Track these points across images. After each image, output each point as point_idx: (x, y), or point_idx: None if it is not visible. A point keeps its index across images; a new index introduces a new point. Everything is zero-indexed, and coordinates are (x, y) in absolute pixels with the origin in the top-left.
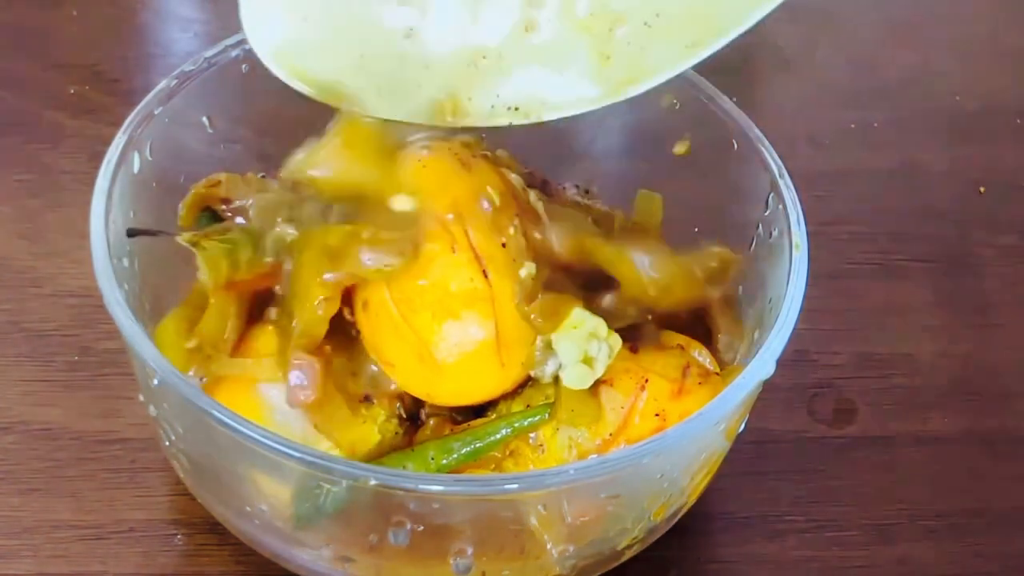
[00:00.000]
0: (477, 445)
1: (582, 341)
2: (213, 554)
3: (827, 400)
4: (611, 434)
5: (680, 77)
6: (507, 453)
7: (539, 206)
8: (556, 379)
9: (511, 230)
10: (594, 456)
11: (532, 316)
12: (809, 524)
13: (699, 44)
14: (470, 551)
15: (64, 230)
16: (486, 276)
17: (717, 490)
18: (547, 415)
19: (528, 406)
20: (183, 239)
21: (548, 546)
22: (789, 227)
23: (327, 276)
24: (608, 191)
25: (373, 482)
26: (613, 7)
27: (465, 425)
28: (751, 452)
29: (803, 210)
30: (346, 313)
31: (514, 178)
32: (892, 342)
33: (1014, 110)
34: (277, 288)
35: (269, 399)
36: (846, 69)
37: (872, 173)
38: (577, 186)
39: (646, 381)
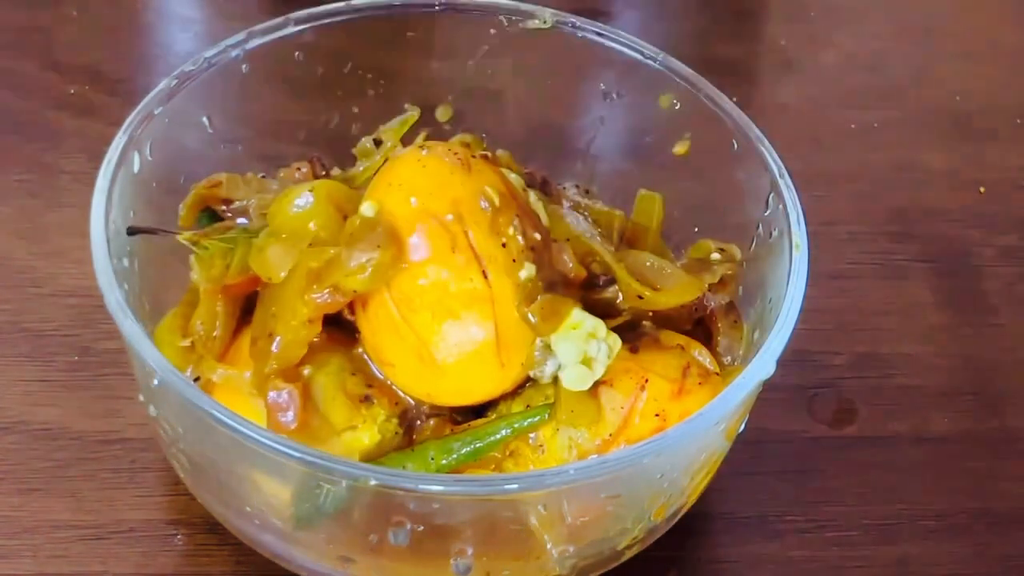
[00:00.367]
0: (477, 445)
1: (581, 342)
2: (213, 554)
3: (827, 400)
4: (611, 434)
5: (680, 77)
6: (507, 453)
7: (539, 206)
8: (556, 380)
9: (511, 230)
10: (594, 456)
11: (531, 317)
12: (809, 524)
13: None
14: (470, 551)
15: (64, 230)
16: (486, 276)
17: (717, 490)
18: (547, 415)
19: (528, 406)
20: (183, 238)
21: (548, 546)
22: (789, 227)
23: (317, 296)
24: (608, 191)
25: (373, 482)
26: None
27: (465, 425)
28: (751, 452)
29: (803, 210)
30: (346, 313)
31: (514, 178)
32: (892, 342)
33: (1014, 110)
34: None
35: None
36: (846, 69)
37: (872, 173)
38: (577, 186)
39: (646, 381)
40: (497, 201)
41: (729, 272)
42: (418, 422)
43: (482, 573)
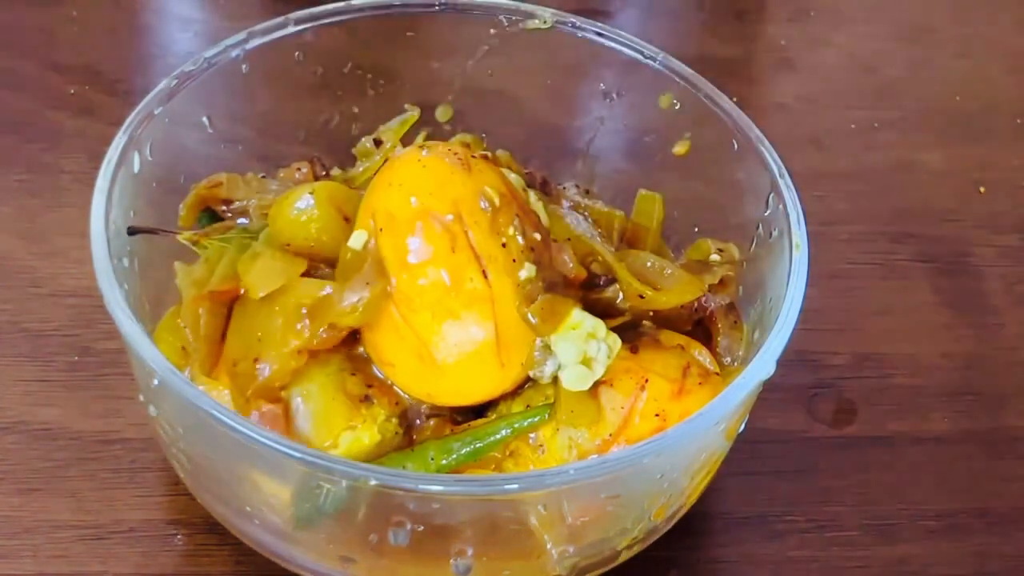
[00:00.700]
0: (477, 445)
1: (581, 342)
2: (213, 554)
3: (827, 400)
4: (611, 434)
5: (680, 77)
6: (507, 453)
7: (539, 206)
8: (556, 380)
9: (511, 230)
10: (594, 456)
11: (531, 317)
12: (809, 524)
13: None
14: (470, 551)
15: (64, 230)
16: (486, 276)
17: (717, 490)
18: (547, 415)
19: (528, 406)
20: (183, 238)
21: (548, 546)
22: (789, 227)
23: (309, 334)
24: (608, 191)
25: (373, 482)
26: None
27: (465, 425)
28: (751, 452)
29: (803, 210)
30: None
31: (514, 178)
32: (892, 342)
33: (1014, 110)
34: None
35: None
36: (847, 69)
37: (872, 173)
38: (577, 186)
39: (646, 381)
40: (497, 201)
41: (729, 273)
42: (418, 422)
43: (483, 573)
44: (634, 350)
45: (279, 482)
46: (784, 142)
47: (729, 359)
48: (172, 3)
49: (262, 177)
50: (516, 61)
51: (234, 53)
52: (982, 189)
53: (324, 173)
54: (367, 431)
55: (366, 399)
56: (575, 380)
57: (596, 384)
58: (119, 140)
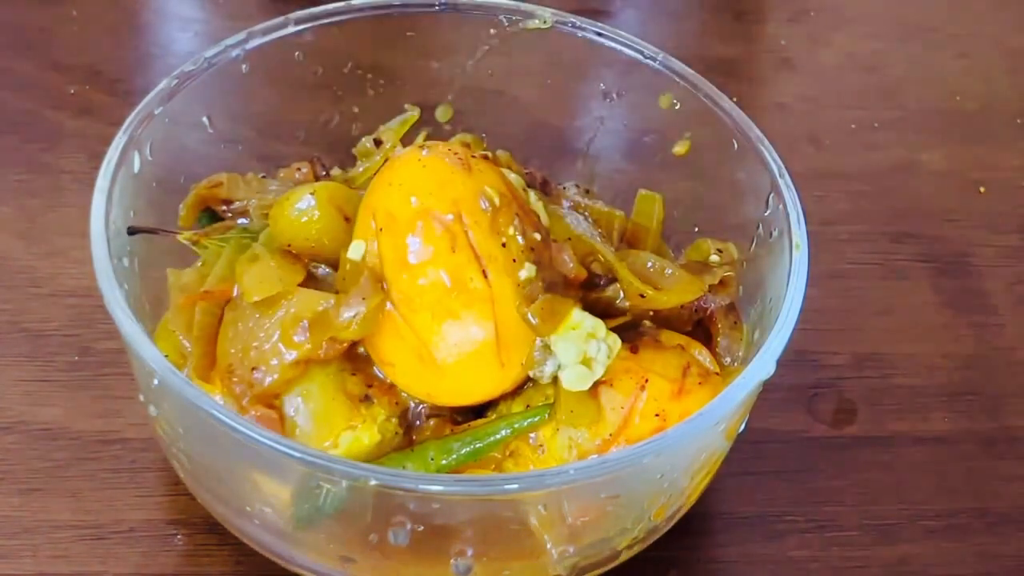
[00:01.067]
0: (477, 445)
1: (581, 342)
2: (213, 554)
3: (827, 400)
4: (611, 434)
5: (680, 77)
6: (507, 453)
7: (539, 206)
8: (556, 380)
9: (511, 230)
10: (594, 456)
11: (531, 317)
12: (809, 524)
13: None
14: (470, 551)
15: (64, 230)
16: (486, 276)
17: (717, 490)
18: (547, 415)
19: (528, 406)
20: (183, 238)
21: (548, 546)
22: (789, 227)
23: (308, 346)
24: (608, 191)
25: (373, 482)
26: None
27: (465, 425)
28: (751, 452)
29: (803, 210)
30: None
31: (514, 178)
32: (892, 342)
33: (1014, 110)
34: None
35: None
36: (847, 69)
37: (872, 173)
38: (577, 186)
39: (646, 381)
40: (497, 201)
41: (729, 273)
42: (418, 422)
43: (483, 573)
44: (634, 350)
45: (279, 482)
46: (784, 142)
47: (729, 359)
48: (172, 3)
49: (262, 177)
50: (516, 61)
51: (234, 53)
52: (982, 189)
53: (324, 173)
54: (367, 431)
55: (366, 399)
56: (575, 380)
57: (596, 384)
58: (119, 140)
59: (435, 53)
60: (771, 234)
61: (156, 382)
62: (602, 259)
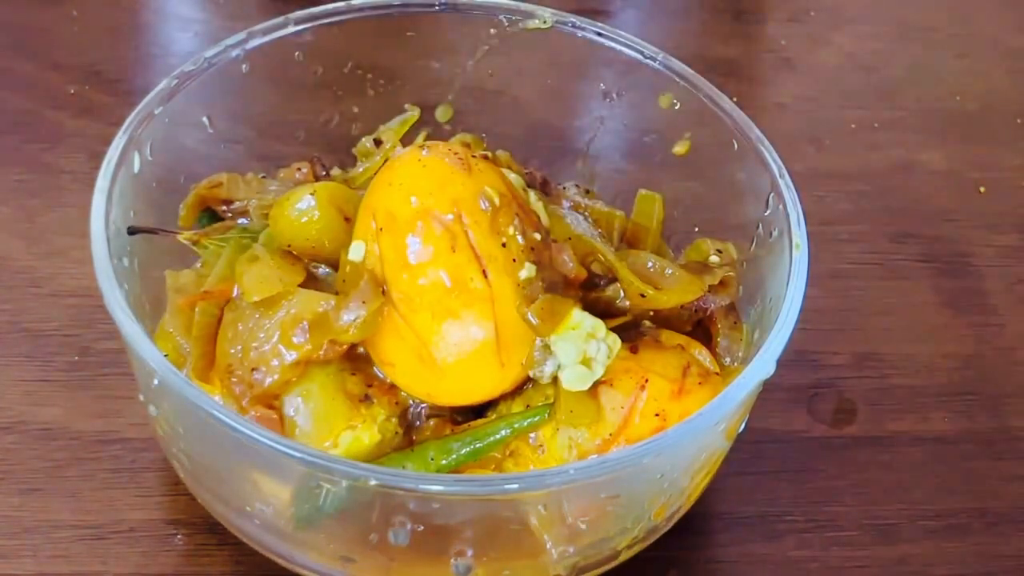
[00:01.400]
0: (477, 445)
1: (581, 342)
2: (213, 554)
3: (827, 400)
4: (611, 434)
5: (680, 77)
6: (507, 453)
7: (539, 206)
8: (555, 380)
9: (511, 230)
10: (594, 456)
11: (531, 317)
12: (809, 524)
13: None
14: (470, 551)
15: (64, 230)
16: (486, 276)
17: (717, 490)
18: (547, 415)
19: (528, 406)
20: (183, 238)
21: (548, 546)
22: (789, 227)
23: (309, 348)
24: (608, 191)
25: (373, 482)
26: None
27: (465, 425)
28: (751, 452)
29: (803, 210)
30: None
31: (514, 178)
32: (892, 342)
33: (1014, 110)
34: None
35: None
36: (847, 69)
37: (872, 173)
38: (577, 186)
39: (646, 381)
40: (497, 201)
41: (730, 273)
42: (418, 422)
43: (483, 573)
44: (634, 350)
45: (279, 482)
46: (784, 142)
47: (729, 359)
48: (172, 3)
49: (262, 177)
50: (516, 61)
51: (234, 53)
52: (982, 189)
53: (324, 173)
54: (367, 431)
55: (366, 399)
56: (575, 380)
57: (596, 384)
58: (119, 140)
59: (435, 53)
60: (771, 234)
61: (156, 382)
62: (602, 259)
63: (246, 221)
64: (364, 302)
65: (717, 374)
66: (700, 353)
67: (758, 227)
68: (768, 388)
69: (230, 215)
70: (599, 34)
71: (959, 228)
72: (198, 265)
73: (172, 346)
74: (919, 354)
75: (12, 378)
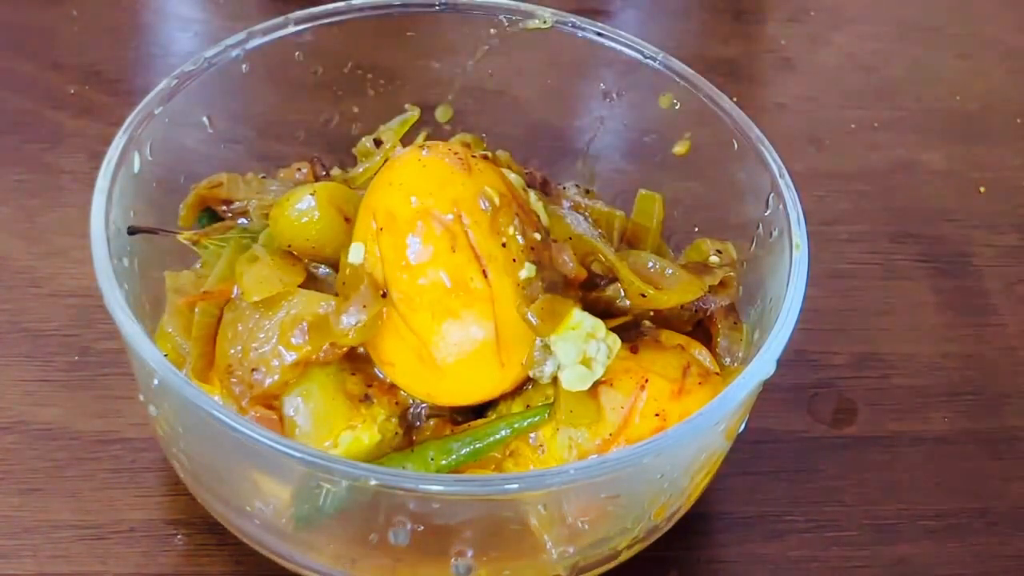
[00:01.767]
0: (477, 445)
1: (581, 342)
2: (213, 554)
3: (827, 400)
4: (611, 434)
5: (680, 77)
6: (507, 453)
7: (539, 206)
8: (555, 380)
9: (511, 230)
10: (594, 456)
11: (531, 317)
12: (809, 524)
13: None
14: (470, 552)
15: (64, 230)
16: (486, 276)
17: (717, 490)
18: (547, 415)
19: (528, 406)
20: (183, 238)
21: (548, 546)
22: (789, 227)
23: (308, 350)
24: (608, 191)
25: (373, 482)
26: None
27: (465, 425)
28: (751, 452)
29: (803, 210)
30: None
31: (514, 178)
32: (892, 342)
33: (1014, 110)
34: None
35: None
36: (847, 69)
37: (872, 173)
38: (577, 186)
39: (646, 381)
40: (497, 201)
41: (730, 274)
42: (418, 422)
43: (483, 573)
44: (634, 350)
45: (279, 482)
46: (784, 142)
47: (729, 359)
48: (172, 3)
49: (262, 177)
50: (516, 61)
51: (234, 53)
52: (982, 189)
53: (324, 173)
54: (367, 431)
55: (366, 399)
56: (575, 380)
57: (596, 384)
58: (119, 140)
59: (435, 53)
60: (771, 234)
61: (156, 382)
62: (602, 259)
63: (246, 221)
64: (364, 306)
65: (717, 374)
66: (700, 353)
67: (758, 227)
68: (768, 388)
69: (230, 215)
70: (599, 34)
71: (959, 228)
72: (198, 265)
73: (171, 346)
74: (919, 354)
75: (12, 378)
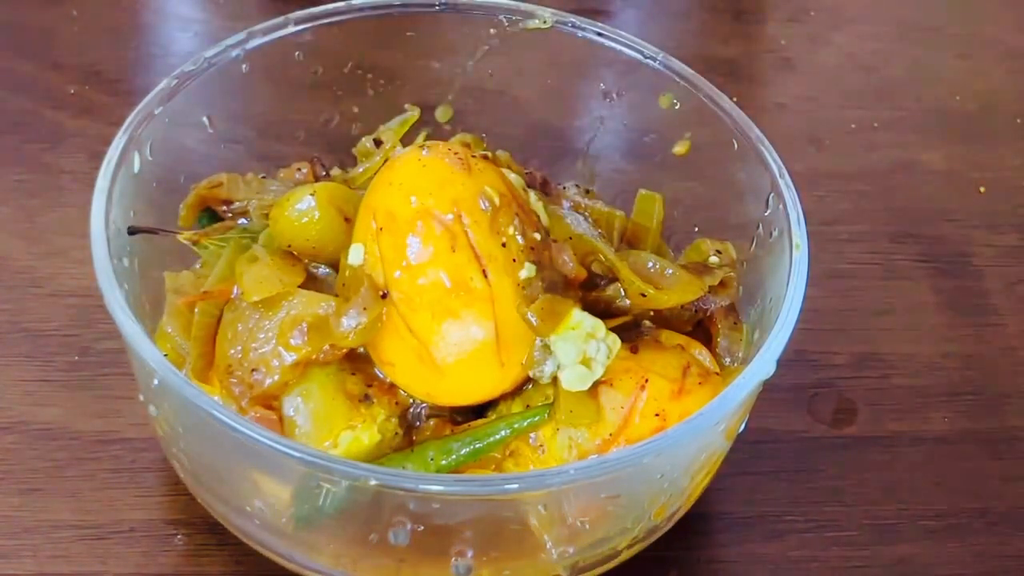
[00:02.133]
0: (477, 445)
1: (580, 342)
2: (213, 554)
3: (827, 400)
4: (611, 434)
5: (680, 77)
6: (507, 453)
7: (539, 206)
8: (555, 380)
9: (511, 230)
10: (594, 456)
11: (531, 317)
12: (809, 524)
13: None
14: (470, 552)
15: (64, 230)
16: (486, 276)
17: (717, 490)
18: (547, 415)
19: (528, 406)
20: (183, 238)
21: (548, 546)
22: (789, 227)
23: (309, 351)
24: (608, 191)
25: (373, 482)
26: None
27: (465, 425)
28: (751, 452)
29: (803, 210)
30: None
31: (514, 178)
32: (892, 342)
33: (1014, 110)
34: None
35: None
36: (846, 69)
37: (872, 173)
38: (577, 186)
39: (646, 381)
40: (497, 201)
41: (730, 274)
42: (418, 422)
43: (483, 573)
44: (634, 350)
45: (279, 482)
46: (784, 142)
47: (729, 359)
48: (172, 3)
49: (262, 177)
50: (516, 61)
51: (234, 53)
52: (982, 189)
53: (324, 173)
54: (367, 431)
55: (366, 399)
56: (575, 380)
57: (596, 384)
58: (119, 140)
59: (435, 53)
60: (771, 234)
61: (156, 382)
62: (602, 259)
63: (246, 221)
64: (364, 308)
65: (717, 374)
66: (700, 353)
67: (758, 227)
68: (768, 388)
69: (230, 215)
70: (599, 34)
71: (959, 228)
72: (198, 265)
73: (171, 346)
74: (919, 354)
75: (12, 378)
